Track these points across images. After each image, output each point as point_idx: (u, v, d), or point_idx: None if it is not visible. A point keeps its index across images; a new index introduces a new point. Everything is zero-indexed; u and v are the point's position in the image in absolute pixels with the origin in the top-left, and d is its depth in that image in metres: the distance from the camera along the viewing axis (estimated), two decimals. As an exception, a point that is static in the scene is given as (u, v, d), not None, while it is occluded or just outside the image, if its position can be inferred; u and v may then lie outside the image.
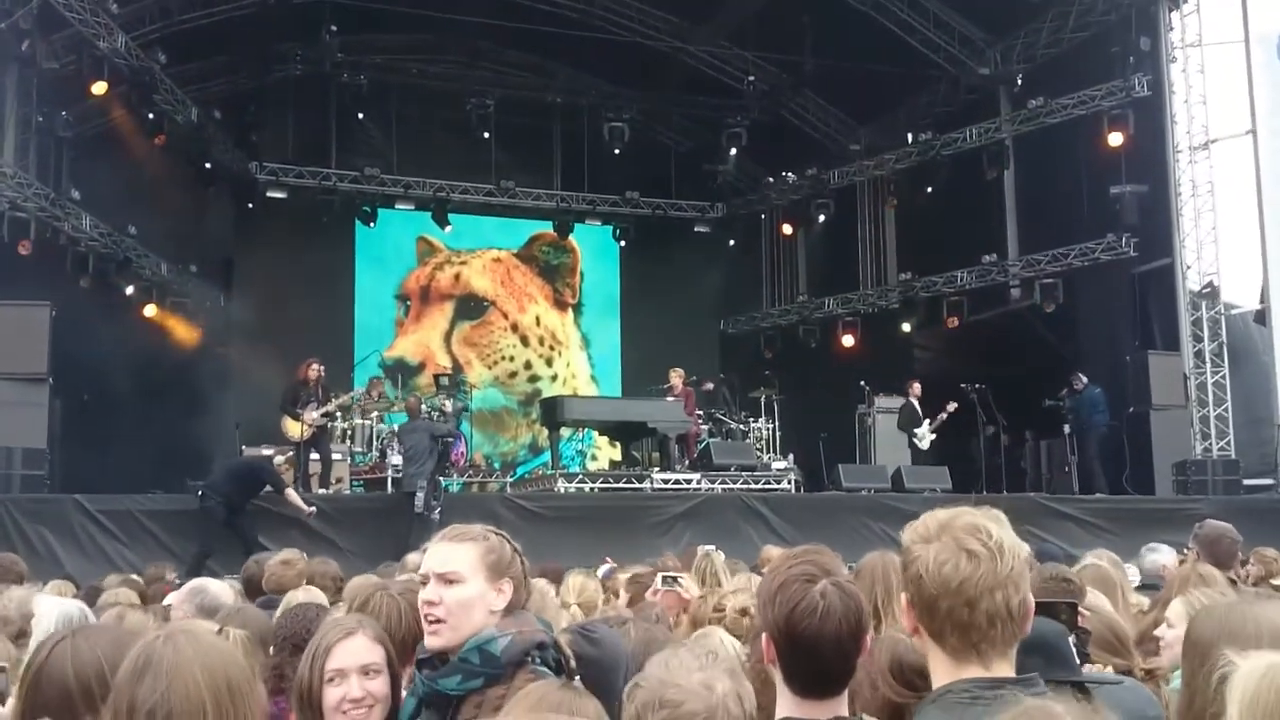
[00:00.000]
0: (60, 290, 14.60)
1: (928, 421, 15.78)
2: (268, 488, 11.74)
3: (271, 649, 3.54)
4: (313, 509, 11.76)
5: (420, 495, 11.95)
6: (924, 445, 15.83)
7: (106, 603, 5.63)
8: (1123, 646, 3.18)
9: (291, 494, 11.85)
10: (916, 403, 15.95)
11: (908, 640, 2.61)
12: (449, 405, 14.11)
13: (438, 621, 2.61)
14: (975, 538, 1.99)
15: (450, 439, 13.98)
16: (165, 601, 6.01)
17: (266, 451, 13.73)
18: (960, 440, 15.93)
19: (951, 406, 15.47)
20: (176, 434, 15.65)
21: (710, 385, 17.43)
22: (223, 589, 5.12)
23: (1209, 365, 15.52)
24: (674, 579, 4.75)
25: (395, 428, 15.25)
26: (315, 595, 4.86)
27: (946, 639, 1.99)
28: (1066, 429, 15.33)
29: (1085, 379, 15.21)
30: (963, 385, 15.94)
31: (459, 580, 2.62)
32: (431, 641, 2.63)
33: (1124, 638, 3.22)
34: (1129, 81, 16.10)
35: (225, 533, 11.21)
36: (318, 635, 2.87)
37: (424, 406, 14.07)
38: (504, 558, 2.69)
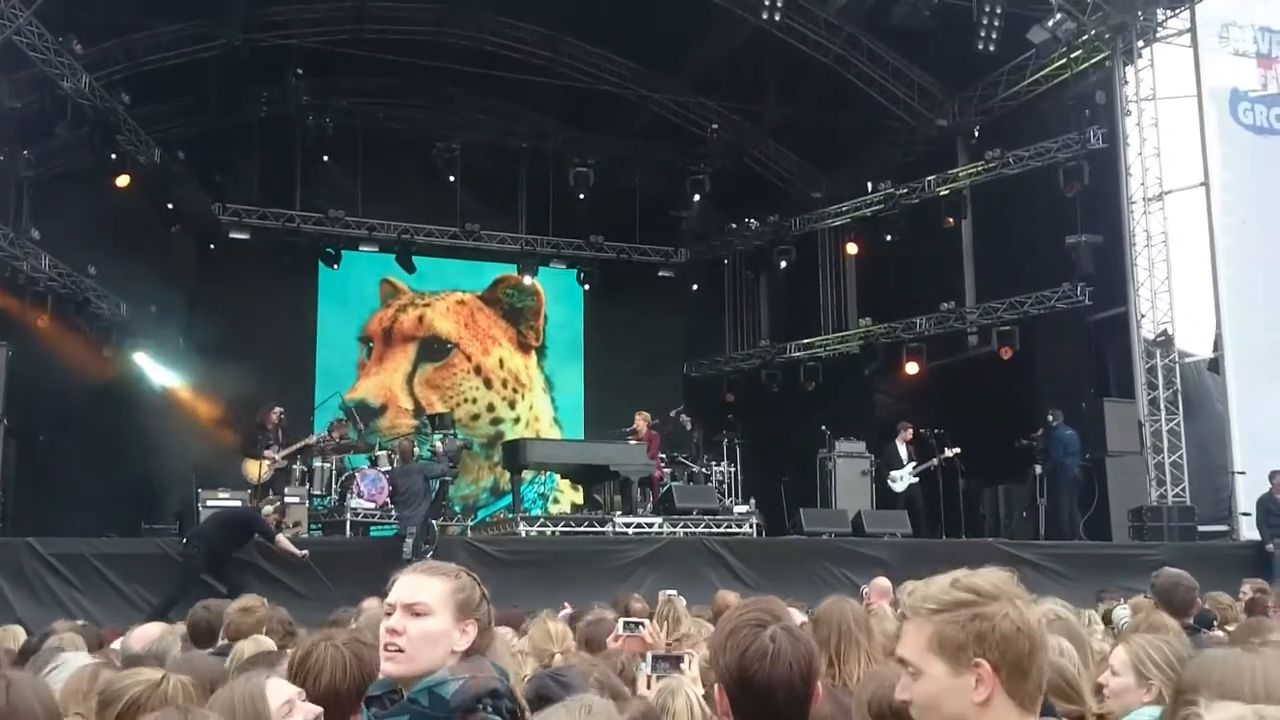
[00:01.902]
0: (17, 330, 14.45)
1: (913, 464, 15.90)
2: (256, 536, 11.63)
3: None
4: (305, 553, 11.62)
5: (409, 541, 11.78)
6: (898, 488, 15.92)
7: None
8: (1074, 692, 3.22)
9: (282, 540, 11.72)
10: (904, 446, 16.06)
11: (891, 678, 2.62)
12: (440, 445, 14.06)
13: (398, 650, 2.58)
14: (1020, 592, 2.00)
15: (447, 479, 13.96)
16: (114, 645, 5.94)
17: (224, 495, 13.63)
18: (920, 485, 16.04)
19: (953, 452, 15.58)
20: (132, 476, 15.48)
21: (686, 419, 17.54)
22: (143, 634, 5.05)
23: (1164, 412, 15.73)
24: (636, 624, 4.70)
25: (357, 470, 15.18)
26: (264, 644, 4.80)
27: (1032, 694, 1.96)
28: (1037, 469, 15.43)
29: (1057, 418, 15.31)
30: (922, 430, 16.11)
31: (426, 613, 2.60)
32: (387, 668, 2.60)
33: (1075, 684, 3.26)
34: (1084, 134, 16.42)
35: (200, 581, 11.04)
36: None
37: (417, 449, 14.02)
38: (473, 599, 2.66)
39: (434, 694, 2.48)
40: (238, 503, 13.42)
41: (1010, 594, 1.98)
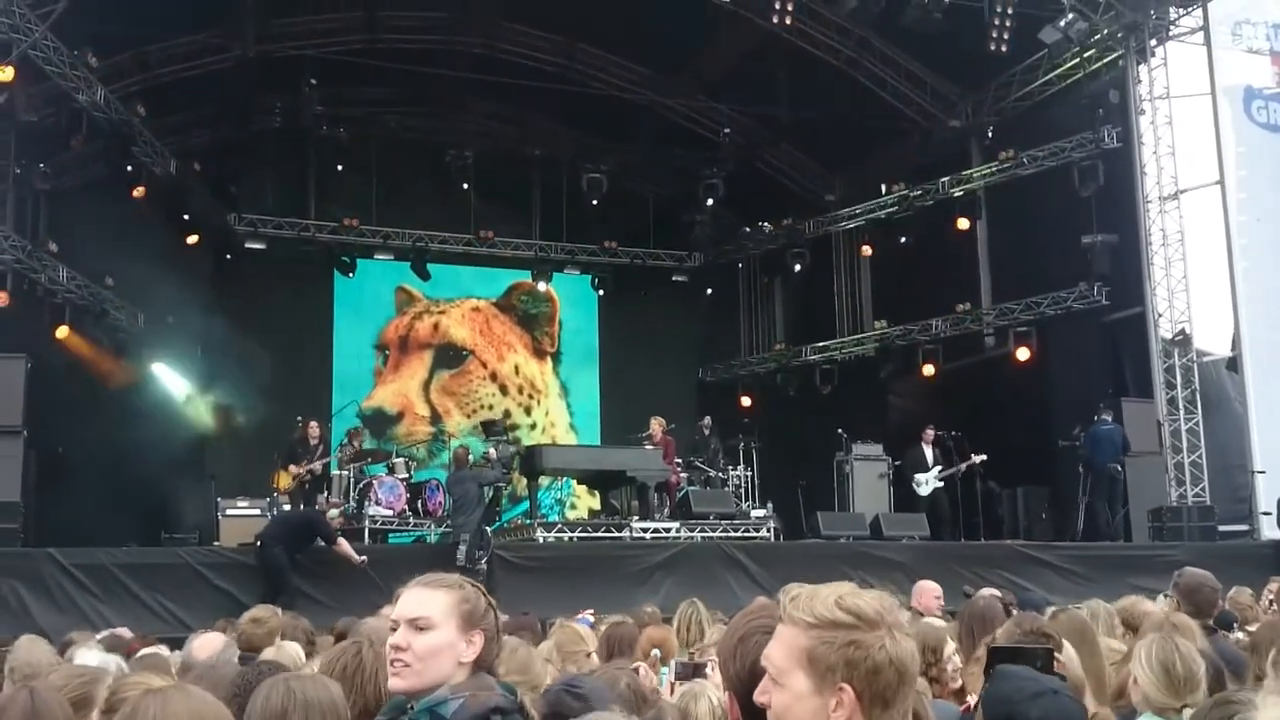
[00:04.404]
0: (36, 342, 14.53)
1: (938, 469, 15.87)
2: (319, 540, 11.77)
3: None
4: (364, 559, 11.68)
5: (463, 548, 11.86)
6: (923, 491, 15.92)
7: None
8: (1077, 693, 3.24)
9: (343, 544, 11.84)
10: (928, 448, 16.05)
11: None
12: (494, 452, 14.14)
13: (404, 666, 2.58)
14: (900, 621, 1.96)
15: (501, 485, 14.05)
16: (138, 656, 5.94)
17: (243, 504, 13.71)
18: (944, 489, 16.00)
19: (979, 459, 15.57)
20: (151, 486, 15.54)
21: (707, 422, 17.51)
22: (205, 643, 5.05)
23: (1182, 412, 15.63)
24: (699, 666, 4.43)
25: (374, 478, 15.23)
26: (288, 652, 4.79)
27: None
28: (1080, 469, 15.38)
29: (1103, 415, 15.17)
30: (940, 433, 16.07)
31: (429, 627, 2.60)
32: (394, 684, 2.60)
33: (1079, 685, 3.28)
34: (1099, 133, 16.36)
35: (293, 573, 11.26)
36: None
37: (471, 456, 14.09)
38: (478, 609, 2.66)
39: (435, 713, 2.48)
40: (256, 511, 13.55)
41: (891, 623, 1.94)
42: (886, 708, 1.91)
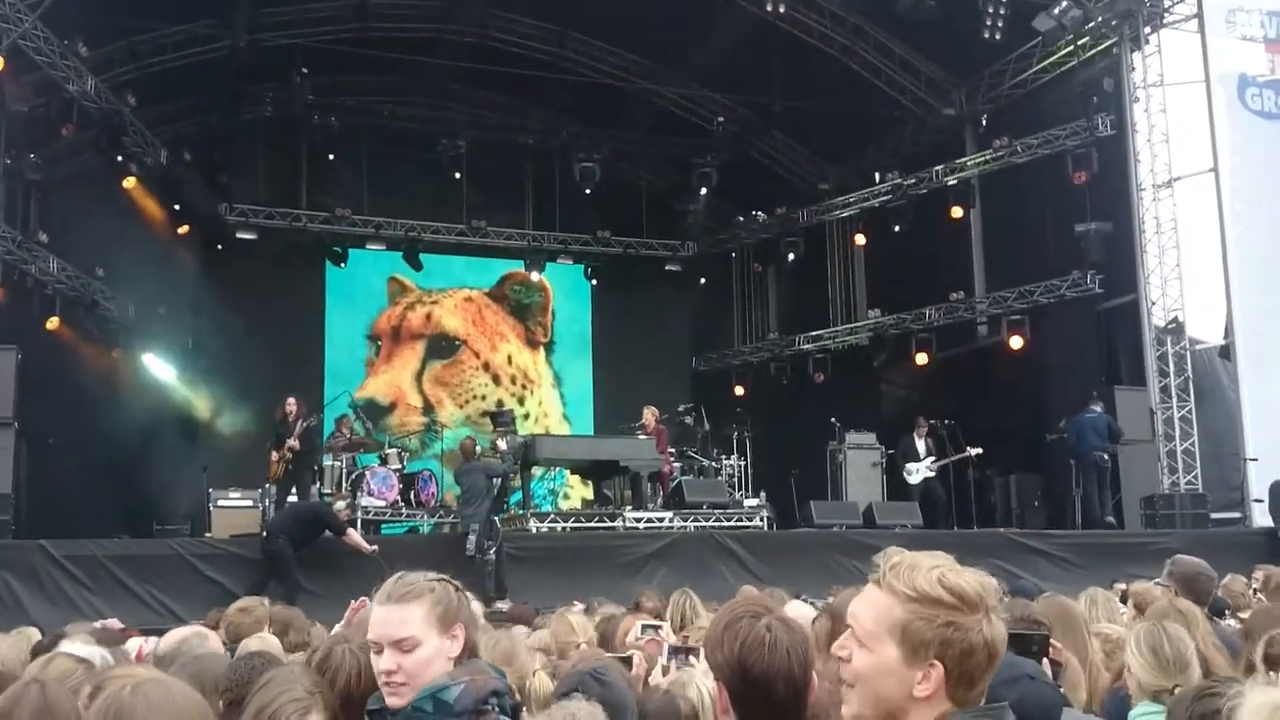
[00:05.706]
0: (27, 333, 14.48)
1: (931, 459, 15.87)
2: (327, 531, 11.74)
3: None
4: (375, 547, 11.64)
5: (472, 538, 11.88)
6: (913, 480, 15.92)
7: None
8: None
9: (352, 534, 11.85)
10: (921, 440, 16.05)
11: None
12: (503, 443, 14.15)
13: (401, 684, 2.58)
14: (996, 603, 1.96)
15: (508, 477, 14.08)
16: (126, 646, 5.90)
17: (235, 495, 13.68)
18: (938, 479, 16.02)
19: (975, 452, 15.59)
20: (143, 477, 15.51)
21: (689, 416, 17.51)
22: (171, 636, 5.02)
23: (1175, 400, 15.65)
24: (654, 627, 4.68)
25: (367, 469, 15.21)
26: (270, 643, 4.76)
27: (975, 699, 1.95)
28: (1071, 461, 15.39)
29: (1092, 406, 15.13)
30: (931, 421, 16.08)
31: (415, 645, 2.60)
32: (393, 702, 2.59)
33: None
34: (1093, 121, 16.34)
35: (296, 565, 11.23)
36: (266, 700, 2.73)
37: (478, 447, 14.08)
38: (451, 605, 2.67)
39: (438, 699, 2.48)
40: (248, 502, 13.53)
41: (990, 606, 1.95)
42: (971, 687, 1.93)
